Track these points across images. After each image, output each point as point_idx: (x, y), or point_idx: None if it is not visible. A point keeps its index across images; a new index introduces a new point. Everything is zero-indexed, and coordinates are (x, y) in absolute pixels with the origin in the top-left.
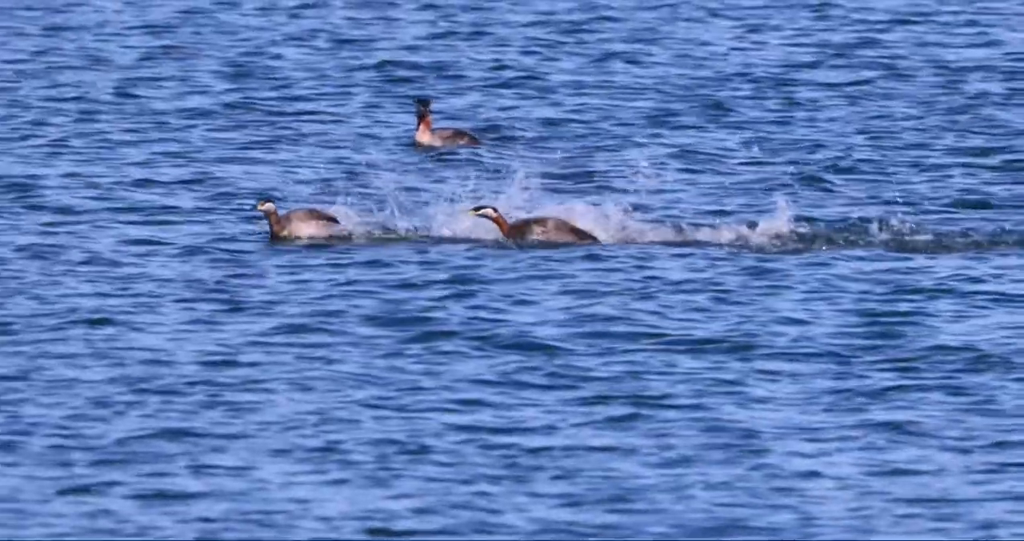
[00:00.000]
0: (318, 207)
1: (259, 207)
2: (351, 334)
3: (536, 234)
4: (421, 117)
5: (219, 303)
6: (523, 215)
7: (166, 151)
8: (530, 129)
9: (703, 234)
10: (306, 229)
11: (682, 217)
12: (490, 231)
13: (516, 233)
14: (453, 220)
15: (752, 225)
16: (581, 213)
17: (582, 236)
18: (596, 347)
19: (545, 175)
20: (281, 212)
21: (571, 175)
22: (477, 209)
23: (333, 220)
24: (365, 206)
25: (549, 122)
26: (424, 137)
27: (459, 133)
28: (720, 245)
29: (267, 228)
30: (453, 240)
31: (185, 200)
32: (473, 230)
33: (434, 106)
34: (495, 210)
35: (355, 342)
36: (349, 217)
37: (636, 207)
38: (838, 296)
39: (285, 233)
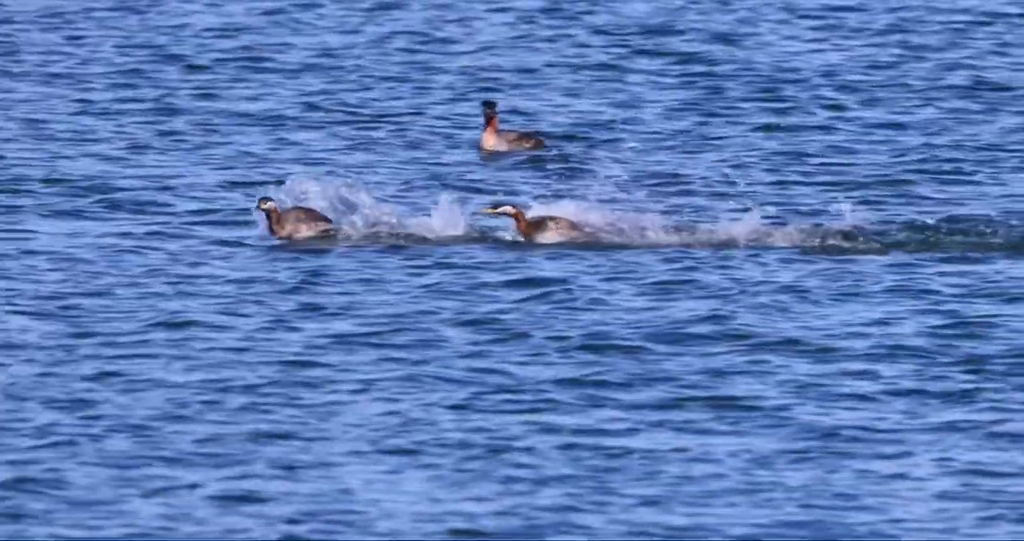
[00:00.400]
0: (314, 207)
1: (261, 206)
2: (430, 335)
3: (550, 231)
4: (488, 120)
5: (298, 304)
6: (539, 213)
7: (245, 152)
8: (601, 132)
9: (781, 234)
10: (303, 228)
11: (759, 218)
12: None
13: (532, 230)
14: (474, 219)
15: (830, 226)
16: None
17: (592, 234)
18: (675, 348)
19: (614, 177)
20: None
21: (642, 176)
22: (495, 207)
23: (326, 220)
24: (417, 205)
25: (622, 124)
26: (490, 140)
27: (525, 136)
28: (798, 246)
29: (265, 227)
30: (529, 243)
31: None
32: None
33: (503, 107)
34: (514, 207)
35: (434, 343)
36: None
37: (709, 207)
38: (919, 298)
39: (283, 232)
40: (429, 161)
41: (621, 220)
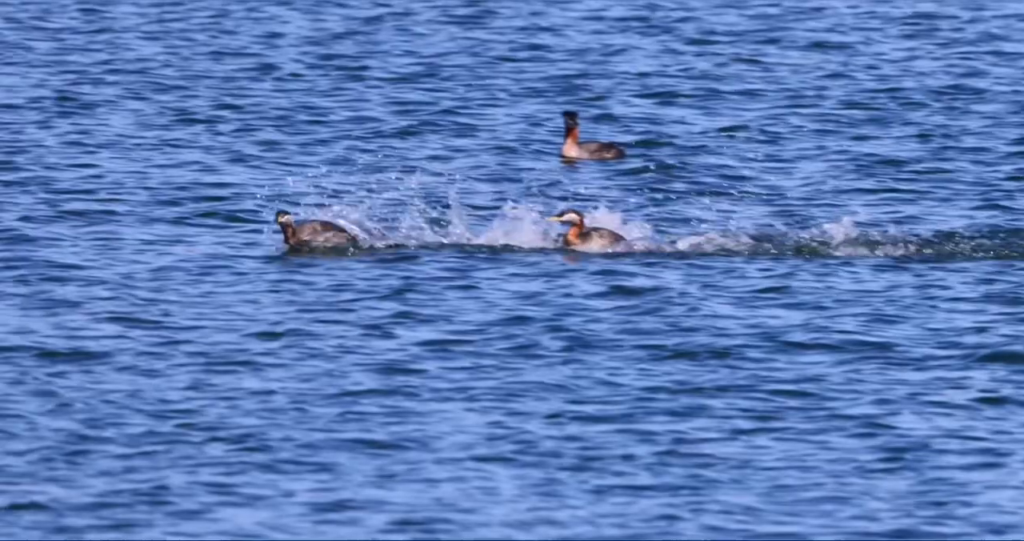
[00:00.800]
0: (330, 219)
1: (279, 220)
2: (523, 343)
3: (594, 241)
4: (569, 130)
5: (392, 312)
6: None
7: (335, 159)
8: (684, 141)
9: (875, 243)
10: (318, 240)
11: (853, 226)
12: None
13: (579, 239)
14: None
15: (924, 234)
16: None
17: (629, 245)
18: (770, 356)
19: (696, 187)
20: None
21: (725, 186)
22: (560, 214)
23: (343, 231)
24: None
25: (704, 133)
26: (571, 150)
27: (606, 146)
28: (892, 255)
29: (282, 239)
30: (620, 251)
31: (353, 209)
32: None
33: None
34: (579, 213)
35: (527, 351)
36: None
37: (801, 216)
38: (1015, 305)
39: (299, 245)
40: (514, 170)
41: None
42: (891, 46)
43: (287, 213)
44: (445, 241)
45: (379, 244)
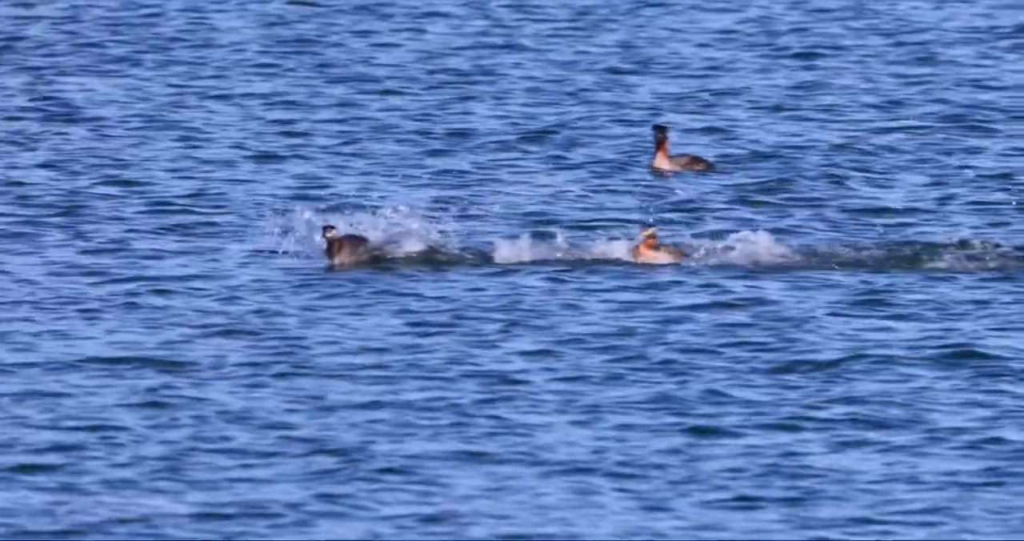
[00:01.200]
0: (359, 233)
1: (326, 235)
2: (627, 355)
3: (664, 254)
4: (659, 143)
5: (497, 324)
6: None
7: (445, 170)
8: (788, 154)
9: (978, 254)
10: (353, 256)
11: (955, 238)
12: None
13: (643, 253)
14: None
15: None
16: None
17: (692, 259)
18: (873, 368)
19: (797, 200)
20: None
21: (827, 198)
22: (648, 227)
23: (375, 247)
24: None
25: (806, 146)
26: (662, 162)
27: (696, 159)
28: (995, 266)
29: (328, 255)
30: (722, 264)
31: (459, 221)
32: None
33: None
34: (652, 227)
35: (630, 363)
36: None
37: (904, 228)
38: None
39: (338, 261)
40: (616, 184)
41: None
42: (996, 59)
43: (333, 228)
44: (546, 254)
45: (479, 258)
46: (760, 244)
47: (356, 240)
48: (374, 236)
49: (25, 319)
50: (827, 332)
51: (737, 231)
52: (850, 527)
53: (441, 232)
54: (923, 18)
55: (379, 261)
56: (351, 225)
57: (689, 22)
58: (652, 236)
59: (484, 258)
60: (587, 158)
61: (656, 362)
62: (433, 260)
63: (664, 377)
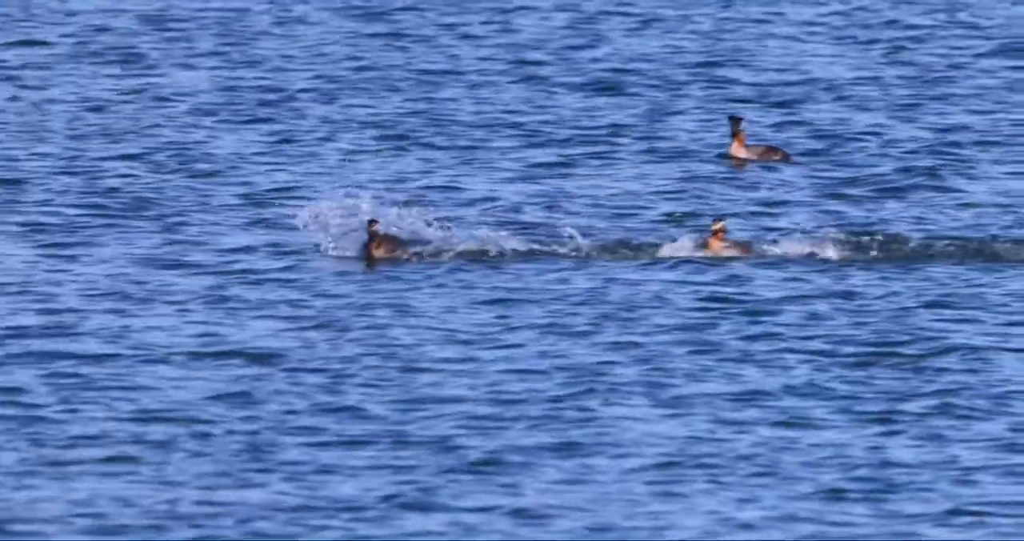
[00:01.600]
0: (395, 230)
1: (371, 229)
2: (714, 348)
3: (732, 249)
4: (735, 134)
5: (584, 317)
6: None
7: (520, 166)
8: (874, 148)
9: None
10: (396, 252)
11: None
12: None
13: (723, 248)
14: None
15: None
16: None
17: (764, 253)
18: (966, 361)
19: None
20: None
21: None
22: (718, 220)
23: (407, 244)
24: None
25: (896, 140)
26: (739, 151)
27: (772, 149)
28: None
29: (367, 248)
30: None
31: (543, 214)
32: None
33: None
34: (722, 220)
35: (717, 356)
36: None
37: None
38: None
39: (377, 254)
40: (689, 174)
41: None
42: None
43: (377, 222)
44: (626, 247)
45: (564, 251)
46: (839, 237)
47: (394, 239)
48: (429, 234)
49: (114, 311)
50: (915, 324)
51: (817, 222)
52: (939, 520)
53: (524, 226)
54: (1010, 11)
55: (422, 258)
56: (401, 218)
57: (775, 13)
58: (722, 229)
59: (569, 251)
60: (668, 150)
61: (742, 354)
62: (521, 253)
63: (751, 369)
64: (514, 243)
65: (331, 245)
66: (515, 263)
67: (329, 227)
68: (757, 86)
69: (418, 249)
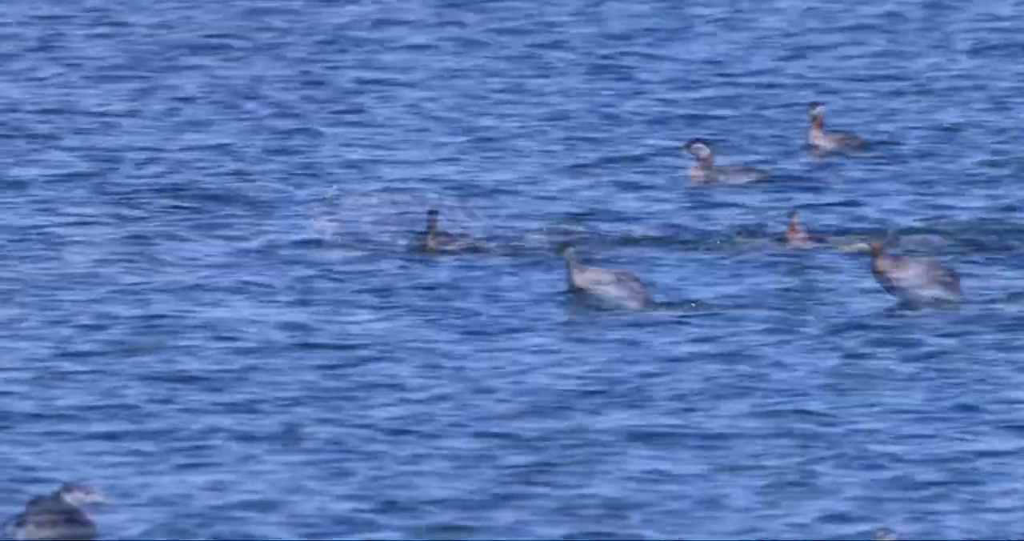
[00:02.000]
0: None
1: (430, 219)
2: (804, 340)
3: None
4: (814, 120)
5: (668, 306)
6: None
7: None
8: (929, 138)
9: None
10: (450, 244)
11: None
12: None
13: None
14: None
15: None
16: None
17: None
18: None
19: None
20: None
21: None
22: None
23: (460, 237)
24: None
25: (952, 130)
26: (818, 139)
27: (850, 136)
28: None
29: (423, 237)
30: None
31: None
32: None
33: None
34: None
35: (811, 348)
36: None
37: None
38: None
39: (433, 245)
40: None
41: None
42: None
43: (437, 213)
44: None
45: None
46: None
47: (448, 235)
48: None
49: (199, 304)
50: (1005, 316)
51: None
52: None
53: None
54: None
55: (476, 251)
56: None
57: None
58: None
59: (644, 240)
60: (745, 141)
61: (829, 344)
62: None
63: (837, 359)
64: (591, 237)
65: (387, 236)
66: (600, 251)
67: (388, 219)
68: (834, 76)
69: (471, 242)
